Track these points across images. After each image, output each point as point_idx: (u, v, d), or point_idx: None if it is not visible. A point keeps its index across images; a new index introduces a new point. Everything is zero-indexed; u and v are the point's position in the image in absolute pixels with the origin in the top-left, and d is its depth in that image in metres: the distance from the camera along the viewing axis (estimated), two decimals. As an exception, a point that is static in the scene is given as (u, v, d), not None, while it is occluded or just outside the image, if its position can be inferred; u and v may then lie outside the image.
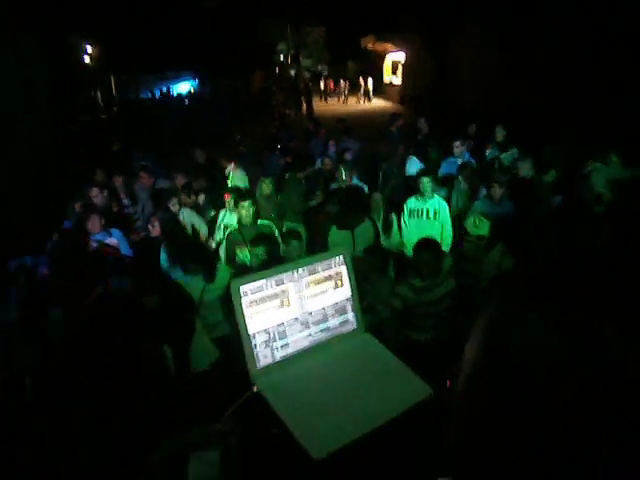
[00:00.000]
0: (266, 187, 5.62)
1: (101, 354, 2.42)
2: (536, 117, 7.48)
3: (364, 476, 1.32)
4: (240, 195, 4.89)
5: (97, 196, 5.34)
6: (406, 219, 4.93)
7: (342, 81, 26.18)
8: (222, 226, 5.11)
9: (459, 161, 6.33)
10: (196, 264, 3.75)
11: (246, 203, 4.62)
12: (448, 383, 1.72)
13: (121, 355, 2.42)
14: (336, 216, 4.80)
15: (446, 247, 4.82)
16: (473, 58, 13.54)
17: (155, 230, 4.57)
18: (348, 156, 6.91)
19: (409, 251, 4.54)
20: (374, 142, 8.28)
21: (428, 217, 4.91)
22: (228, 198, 5.09)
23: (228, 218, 5.05)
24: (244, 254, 4.37)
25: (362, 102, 24.05)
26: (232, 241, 4.64)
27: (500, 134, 7.28)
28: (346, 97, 24.88)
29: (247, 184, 6.46)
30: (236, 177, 6.63)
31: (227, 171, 6.85)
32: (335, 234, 4.48)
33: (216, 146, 8.35)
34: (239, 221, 4.72)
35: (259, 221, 4.72)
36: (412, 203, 4.97)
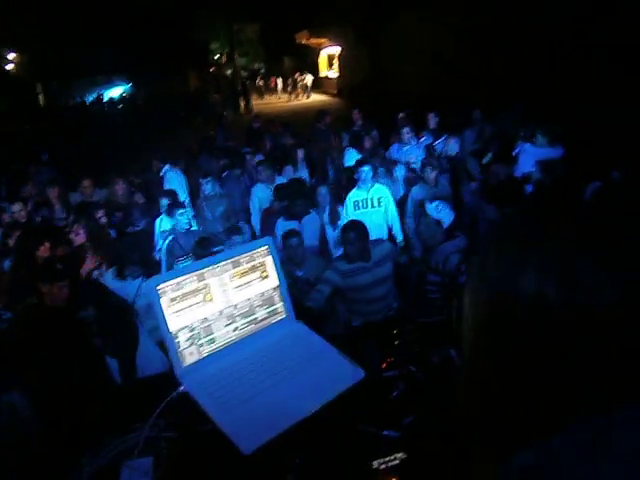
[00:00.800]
0: (207, 188, 5.53)
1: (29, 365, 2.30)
2: (471, 103, 7.66)
3: (298, 465, 1.30)
4: (175, 203, 4.82)
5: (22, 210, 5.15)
6: (350, 212, 4.95)
7: (276, 79, 26.11)
8: (161, 232, 4.99)
9: (405, 148, 6.50)
10: (131, 268, 3.64)
11: (180, 211, 4.57)
12: (383, 365, 1.74)
13: (48, 367, 2.30)
14: (283, 208, 4.83)
15: (397, 232, 4.91)
16: (407, 47, 13.78)
17: (79, 238, 4.38)
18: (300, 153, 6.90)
19: None
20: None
21: (373, 206, 4.98)
22: (165, 202, 4.99)
23: (166, 222, 4.94)
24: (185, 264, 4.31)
25: (302, 98, 24.04)
26: (171, 252, 4.58)
27: (433, 121, 7.44)
28: (290, 93, 24.76)
29: (184, 186, 6.35)
30: (171, 179, 6.49)
31: (161, 173, 6.70)
32: (283, 226, 4.50)
33: (152, 150, 8.12)
34: (174, 230, 4.65)
35: (194, 227, 4.68)
36: (355, 195, 5.01)
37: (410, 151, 6.47)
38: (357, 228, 3.52)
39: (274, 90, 26.63)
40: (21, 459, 1.59)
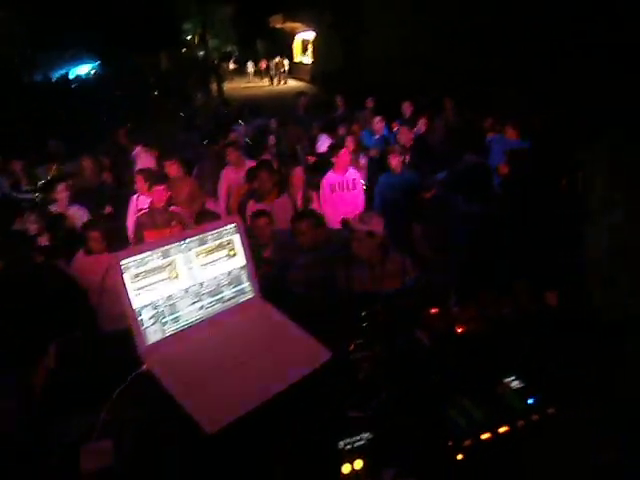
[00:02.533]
0: (171, 169, 5.43)
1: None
2: (445, 90, 7.69)
3: (263, 447, 1.28)
4: (155, 178, 4.78)
5: None
6: (327, 194, 4.98)
7: (250, 62, 25.63)
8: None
9: (377, 136, 6.50)
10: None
11: (161, 187, 4.51)
12: (352, 346, 1.73)
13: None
14: (254, 191, 4.80)
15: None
16: (382, 34, 13.73)
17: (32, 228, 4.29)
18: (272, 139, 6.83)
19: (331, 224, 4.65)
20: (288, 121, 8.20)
21: (348, 189, 5.03)
22: (141, 181, 4.92)
23: (142, 201, 4.88)
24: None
25: (279, 83, 23.73)
26: (142, 224, 4.52)
27: (407, 109, 7.45)
28: (272, 78, 24.27)
29: (155, 167, 6.23)
30: (144, 160, 6.36)
31: (133, 154, 6.56)
32: (254, 208, 4.48)
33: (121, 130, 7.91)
34: (151, 204, 4.61)
35: (171, 207, 4.64)
36: (331, 178, 5.05)
37: (381, 140, 6.47)
38: (309, 217, 3.57)
39: (248, 74, 26.24)
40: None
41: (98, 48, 25.24)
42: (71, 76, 24.76)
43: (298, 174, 5.18)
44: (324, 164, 5.39)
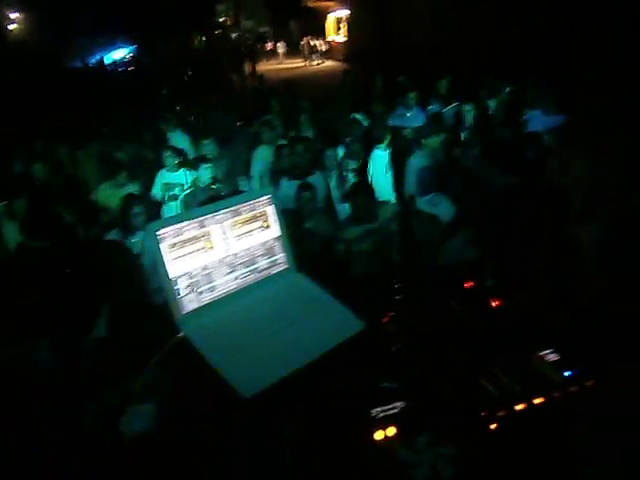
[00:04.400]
0: (212, 148, 5.50)
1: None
2: (480, 69, 7.46)
3: (296, 412, 1.31)
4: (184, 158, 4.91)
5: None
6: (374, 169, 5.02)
7: (282, 42, 25.37)
8: (161, 185, 5.08)
9: (409, 113, 6.38)
10: None
11: (205, 165, 4.74)
12: (385, 319, 1.73)
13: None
14: (286, 169, 4.82)
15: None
16: (418, 10, 13.41)
17: None
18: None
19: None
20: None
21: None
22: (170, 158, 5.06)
23: (166, 176, 4.99)
24: None
25: (311, 63, 23.44)
26: (185, 203, 4.67)
27: (443, 87, 7.26)
28: (306, 58, 23.98)
29: (190, 146, 6.33)
30: (179, 140, 6.45)
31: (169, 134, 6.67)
32: (286, 185, 4.51)
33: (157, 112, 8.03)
34: (194, 183, 4.74)
35: (215, 185, 4.75)
36: (377, 155, 5.02)
37: (414, 118, 6.33)
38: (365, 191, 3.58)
39: (281, 55, 26.08)
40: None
41: (133, 32, 25.53)
42: (107, 61, 25.13)
43: (333, 153, 5.13)
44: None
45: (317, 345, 1.31)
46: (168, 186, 5.00)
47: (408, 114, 6.44)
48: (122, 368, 1.53)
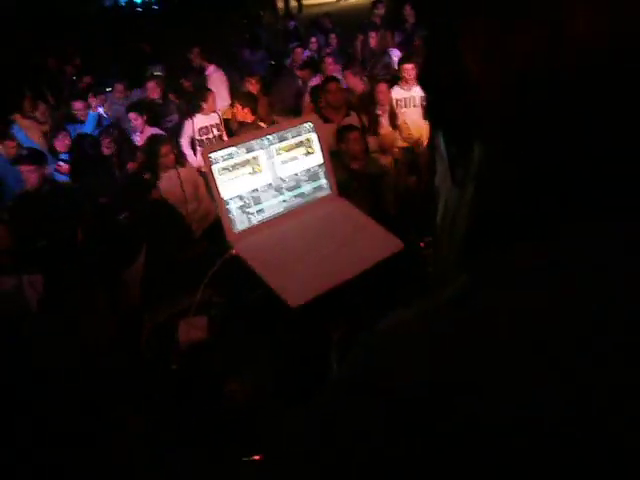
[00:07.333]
0: (252, 87, 5.43)
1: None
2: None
3: (342, 324, 1.42)
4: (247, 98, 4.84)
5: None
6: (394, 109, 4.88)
7: None
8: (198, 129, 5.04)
9: None
10: None
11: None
12: (422, 244, 1.80)
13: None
14: (321, 109, 4.75)
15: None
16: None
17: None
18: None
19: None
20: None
21: (415, 105, 4.86)
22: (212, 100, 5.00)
23: (201, 120, 4.96)
24: None
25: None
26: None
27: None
28: None
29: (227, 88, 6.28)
30: (216, 79, 6.38)
31: (206, 73, 6.59)
32: (321, 128, 4.47)
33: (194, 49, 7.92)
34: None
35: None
36: (398, 93, 4.89)
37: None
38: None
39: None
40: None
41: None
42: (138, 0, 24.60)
43: (382, 89, 5.01)
44: (395, 79, 5.22)
45: (359, 262, 1.39)
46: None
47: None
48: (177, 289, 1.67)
